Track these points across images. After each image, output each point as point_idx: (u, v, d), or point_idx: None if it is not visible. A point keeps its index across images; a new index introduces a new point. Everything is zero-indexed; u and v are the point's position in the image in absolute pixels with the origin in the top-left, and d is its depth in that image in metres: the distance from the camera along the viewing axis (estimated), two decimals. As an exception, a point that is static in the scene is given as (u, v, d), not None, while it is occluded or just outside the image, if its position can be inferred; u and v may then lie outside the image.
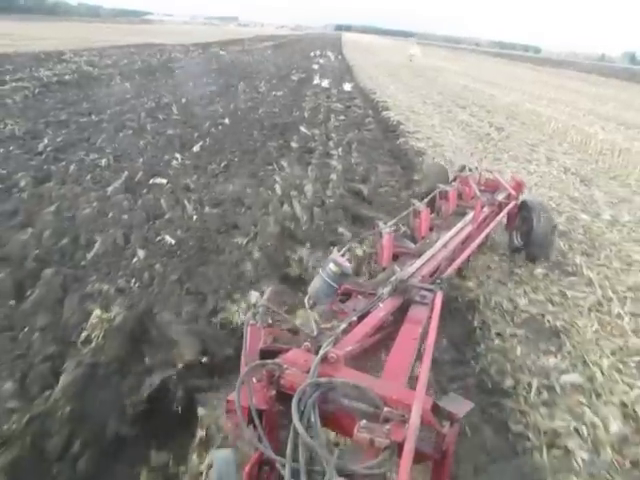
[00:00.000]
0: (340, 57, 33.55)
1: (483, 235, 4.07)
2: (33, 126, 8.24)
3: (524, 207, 4.71)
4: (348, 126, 10.38)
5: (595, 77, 40.34)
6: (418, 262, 3.09)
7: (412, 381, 1.86)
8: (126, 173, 6.01)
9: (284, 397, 1.73)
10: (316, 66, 24.84)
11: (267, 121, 9.95)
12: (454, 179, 5.05)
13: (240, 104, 11.64)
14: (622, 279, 4.56)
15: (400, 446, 1.47)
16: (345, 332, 2.16)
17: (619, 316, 3.92)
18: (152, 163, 6.59)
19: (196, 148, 7.45)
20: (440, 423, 1.66)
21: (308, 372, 1.74)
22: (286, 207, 5.39)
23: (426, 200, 4.27)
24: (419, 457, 1.56)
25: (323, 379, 1.70)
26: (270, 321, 2.28)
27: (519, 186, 4.90)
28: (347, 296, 2.75)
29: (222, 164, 6.80)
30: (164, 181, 5.82)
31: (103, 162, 6.47)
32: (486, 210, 4.37)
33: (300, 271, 4.10)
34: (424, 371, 1.81)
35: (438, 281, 2.74)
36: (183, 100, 11.48)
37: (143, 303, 3.40)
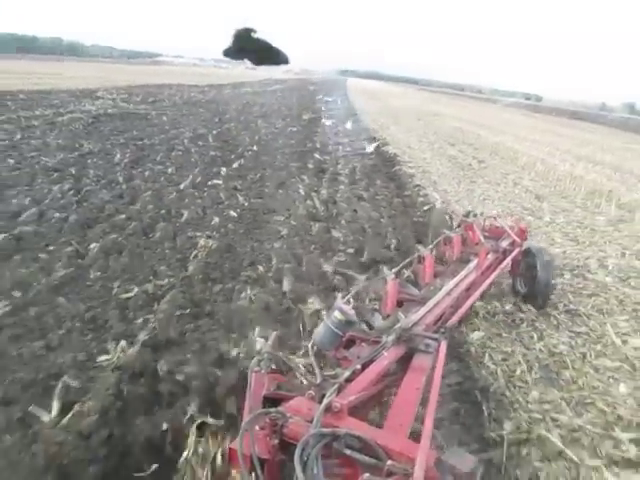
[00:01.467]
0: (346, 102, 36.62)
1: (487, 282, 4.08)
2: (103, 146, 10.63)
3: (527, 254, 4.81)
4: (353, 156, 12.80)
5: (587, 124, 43.25)
6: (422, 310, 3.09)
7: (415, 431, 1.90)
8: (190, 177, 8.36)
9: (287, 446, 1.74)
10: (324, 107, 27.68)
11: (287, 149, 12.40)
12: (458, 225, 5.19)
13: (263, 136, 14.13)
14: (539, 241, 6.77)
15: None
16: (349, 380, 2.18)
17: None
18: (205, 173, 8.94)
19: (235, 165, 9.83)
20: (444, 478, 1.67)
21: (311, 421, 1.76)
22: (309, 201, 7.69)
23: (431, 246, 4.32)
24: None
25: (326, 429, 1.70)
26: (274, 366, 2.34)
27: (523, 233, 5.04)
28: (352, 343, 2.77)
29: (257, 175, 9.15)
30: (220, 182, 8.17)
31: (169, 170, 8.83)
32: (490, 257, 4.43)
33: (318, 231, 6.35)
34: (428, 423, 1.81)
35: (442, 330, 2.77)
36: (214, 132, 13.94)
37: (226, 239, 5.65)
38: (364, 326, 3.85)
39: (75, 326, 3.73)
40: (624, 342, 4.49)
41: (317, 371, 2.29)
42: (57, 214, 6.07)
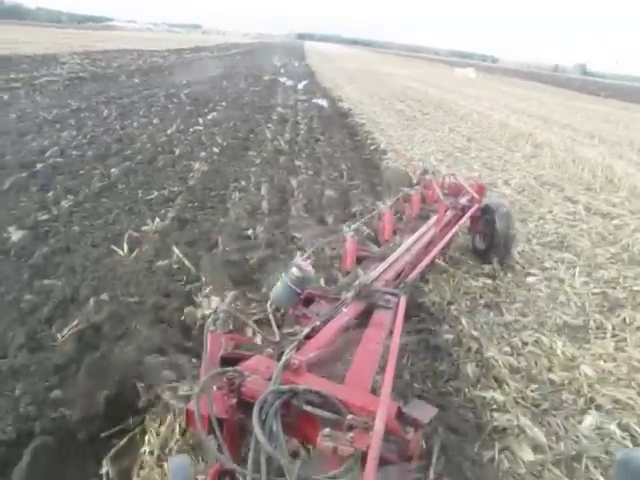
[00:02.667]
0: (304, 64, 37.94)
1: (447, 238, 4.16)
2: (88, 104, 12.04)
3: (487, 210, 4.88)
4: (310, 109, 14.52)
5: (536, 84, 45.69)
6: (382, 266, 3.13)
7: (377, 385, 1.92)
8: (174, 126, 9.99)
9: (245, 405, 1.73)
10: (282, 70, 29.08)
11: (252, 104, 14.02)
12: (417, 183, 5.30)
13: (229, 95, 15.67)
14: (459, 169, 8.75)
15: (364, 454, 1.49)
16: (308, 337, 2.19)
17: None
18: (185, 123, 10.57)
19: (209, 117, 11.47)
20: (404, 429, 1.69)
21: (270, 379, 1.75)
22: (275, 142, 9.46)
23: (390, 203, 4.34)
24: (384, 464, 1.58)
25: (285, 386, 1.70)
26: (231, 327, 2.36)
27: (481, 189, 5.08)
28: (311, 301, 2.77)
29: (230, 124, 10.82)
30: (200, 128, 9.85)
31: (154, 121, 10.43)
32: (449, 214, 4.51)
33: (284, 161, 8.15)
34: (388, 377, 1.83)
35: (402, 285, 2.80)
36: (184, 91, 15.40)
37: (214, 166, 7.40)
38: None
39: (120, 212, 5.47)
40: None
41: (275, 329, 2.35)
42: (74, 152, 7.66)
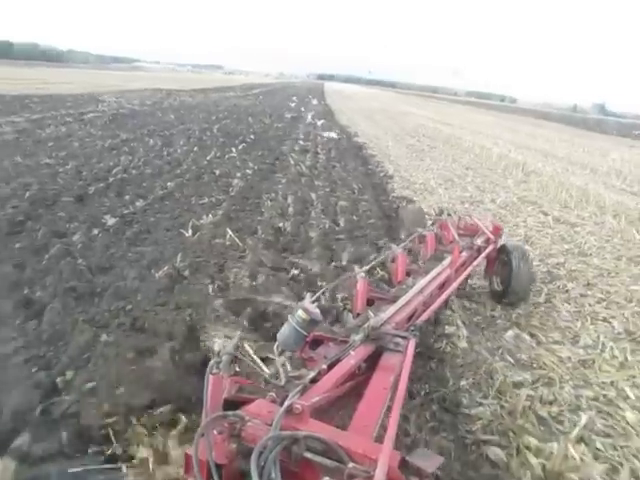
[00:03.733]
0: (323, 102, 40.53)
1: (461, 279, 4.20)
2: (134, 135, 14.14)
3: (503, 251, 5.05)
4: (328, 142, 16.52)
5: (550, 123, 47.68)
6: (392, 308, 3.16)
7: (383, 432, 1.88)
8: (212, 153, 11.96)
9: (246, 451, 1.71)
10: (303, 108, 31.50)
11: (277, 139, 16.07)
12: (432, 223, 5.34)
13: (256, 129, 17.80)
14: (455, 164, 10.50)
15: None
16: (314, 381, 2.18)
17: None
18: (221, 151, 12.53)
19: (240, 147, 13.47)
20: (408, 479, 1.69)
21: (272, 424, 1.75)
22: (297, 167, 11.35)
23: (403, 244, 4.38)
24: None
25: (286, 432, 1.70)
26: (238, 369, 2.37)
27: (498, 230, 5.23)
28: (319, 343, 2.83)
29: (259, 153, 12.78)
30: (234, 155, 11.82)
31: (194, 149, 12.41)
32: (464, 254, 4.58)
33: (305, 181, 10.01)
34: (392, 424, 1.82)
35: (412, 328, 2.80)
36: (216, 126, 17.53)
37: (249, 183, 9.28)
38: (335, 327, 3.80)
39: (181, 211, 7.30)
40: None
41: (281, 372, 2.35)
42: (134, 171, 9.59)
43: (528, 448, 3.14)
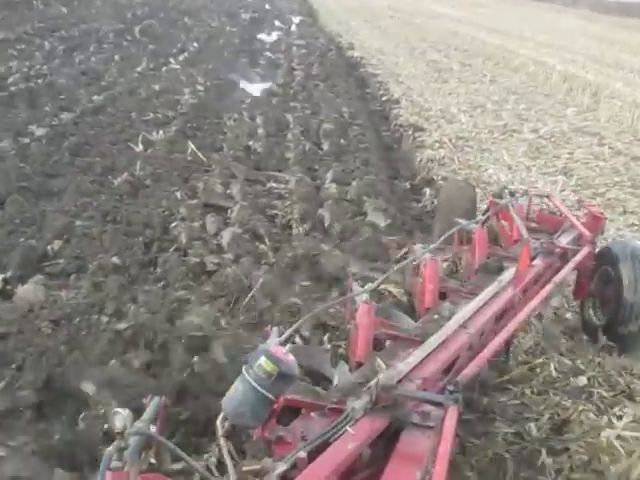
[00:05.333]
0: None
1: (533, 305, 4.27)
2: (15, 35, 16.99)
3: (605, 258, 5.24)
4: (309, 55, 19.68)
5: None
6: (417, 354, 3.32)
7: None
8: (143, 64, 15.06)
9: None
10: (267, 5, 34.94)
11: (232, 47, 19.27)
12: (487, 210, 5.64)
13: (199, 34, 21.06)
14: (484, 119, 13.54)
15: None
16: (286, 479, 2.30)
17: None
18: (154, 62, 15.59)
19: (181, 57, 16.55)
20: None
21: None
22: (265, 84, 14.40)
23: (435, 245, 4.52)
24: None
25: None
26: (153, 460, 2.39)
27: (597, 222, 5.48)
28: (292, 413, 2.96)
29: (209, 66, 15.87)
30: (176, 66, 14.93)
31: (115, 57, 15.43)
32: (539, 263, 4.82)
33: (278, 102, 13.05)
34: None
35: (451, 388, 2.84)
36: (137, 27, 20.55)
37: (201, 101, 12.29)
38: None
39: (122, 126, 10.27)
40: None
41: (229, 464, 2.51)
42: (40, 80, 12.50)
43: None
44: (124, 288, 5.40)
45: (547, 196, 6.37)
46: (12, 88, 11.60)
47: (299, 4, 39.03)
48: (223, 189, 8.00)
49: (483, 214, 5.61)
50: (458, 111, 14.19)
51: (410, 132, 11.93)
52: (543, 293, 4.38)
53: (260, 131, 10.91)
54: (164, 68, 15.03)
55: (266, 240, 6.68)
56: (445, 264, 5.18)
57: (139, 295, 5.31)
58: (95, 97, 11.71)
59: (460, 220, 5.05)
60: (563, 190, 9.49)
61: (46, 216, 6.81)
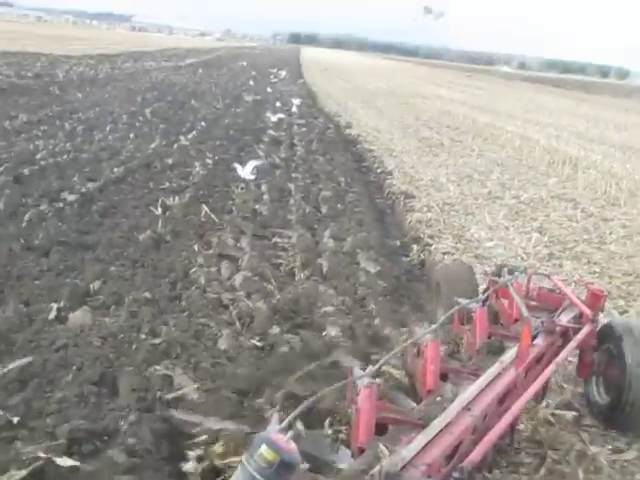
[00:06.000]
0: (300, 82, 46.10)
1: (536, 386, 4.33)
2: (37, 117, 18.53)
3: (607, 336, 5.25)
4: (309, 133, 21.20)
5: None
6: (421, 438, 3.36)
7: None
8: (156, 141, 16.48)
9: None
10: (269, 89, 36.71)
11: (237, 127, 20.79)
12: (486, 289, 5.78)
13: (206, 115, 22.68)
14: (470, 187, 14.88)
15: None
16: None
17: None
18: (166, 139, 17.08)
19: (190, 135, 18.03)
20: None
21: None
22: (269, 159, 15.84)
23: (435, 326, 4.42)
24: None
25: None
26: None
27: (597, 300, 5.56)
28: None
29: (216, 143, 17.27)
30: (186, 143, 16.38)
31: (130, 136, 16.91)
32: (540, 342, 4.88)
33: (280, 174, 14.45)
34: None
35: (456, 475, 2.90)
36: (147, 110, 22.11)
37: (211, 172, 13.68)
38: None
39: (142, 193, 11.60)
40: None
41: None
42: (65, 156, 13.86)
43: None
44: (155, 316, 6.58)
45: (547, 275, 6.66)
46: (42, 162, 13.00)
47: (299, 87, 41.41)
48: (234, 242, 9.26)
49: (483, 293, 5.79)
50: (447, 181, 15.67)
51: (401, 198, 13.32)
52: (546, 373, 4.52)
53: (265, 197, 12.28)
54: (175, 145, 16.58)
55: (272, 281, 7.82)
56: (445, 345, 5.13)
57: (169, 320, 6.49)
58: (116, 169, 13.05)
59: (460, 299, 5.08)
60: (536, 246, 10.82)
61: (85, 263, 8.00)
